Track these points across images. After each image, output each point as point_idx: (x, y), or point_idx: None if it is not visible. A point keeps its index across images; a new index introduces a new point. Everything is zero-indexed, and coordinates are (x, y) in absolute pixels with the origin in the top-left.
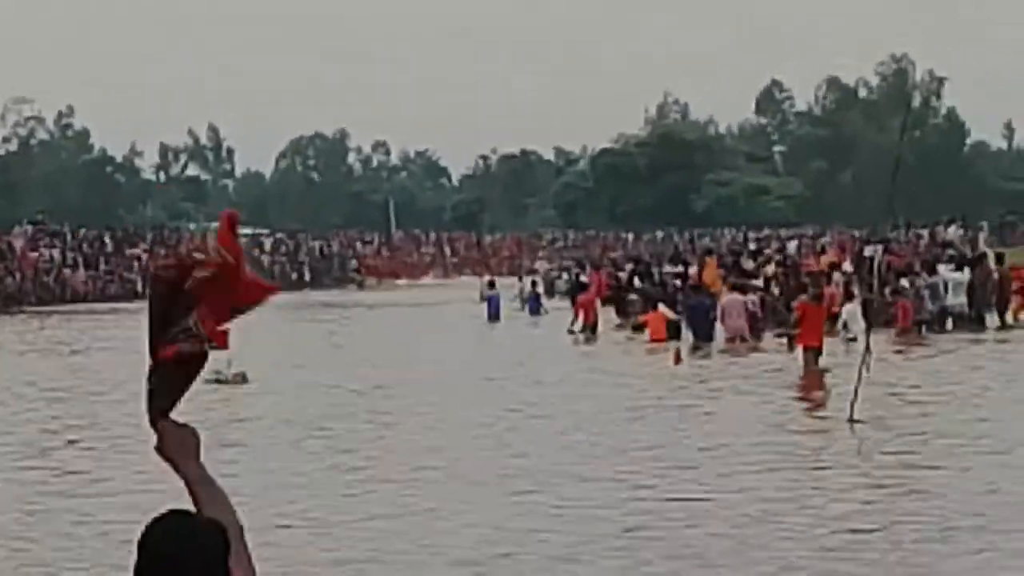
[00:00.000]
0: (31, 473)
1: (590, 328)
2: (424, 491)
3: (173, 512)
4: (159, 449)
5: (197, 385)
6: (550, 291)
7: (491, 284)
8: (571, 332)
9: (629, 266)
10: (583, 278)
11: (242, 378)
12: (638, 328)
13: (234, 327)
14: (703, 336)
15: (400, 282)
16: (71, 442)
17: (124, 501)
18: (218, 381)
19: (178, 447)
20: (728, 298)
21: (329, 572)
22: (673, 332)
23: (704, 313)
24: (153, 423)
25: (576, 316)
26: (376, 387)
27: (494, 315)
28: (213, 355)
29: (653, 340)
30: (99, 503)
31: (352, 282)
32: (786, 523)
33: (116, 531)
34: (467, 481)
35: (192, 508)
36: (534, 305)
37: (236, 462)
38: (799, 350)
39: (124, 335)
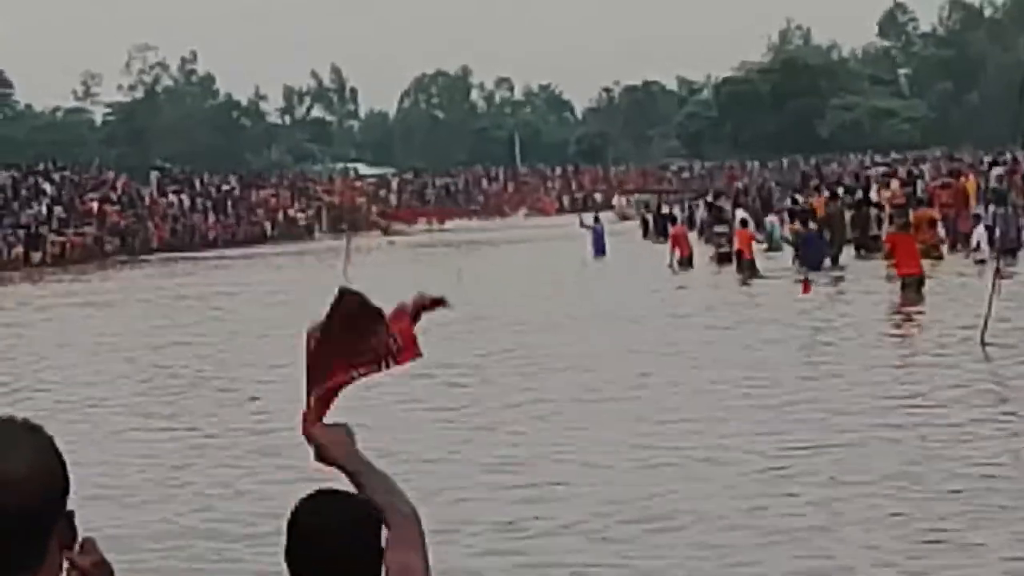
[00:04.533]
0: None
1: (687, 260)
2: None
3: (323, 491)
4: (318, 458)
5: None
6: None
7: (596, 219)
8: (670, 266)
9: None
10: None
11: None
12: (724, 258)
13: (370, 271)
14: (812, 266)
15: (419, 226)
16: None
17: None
18: None
19: (335, 449)
20: None
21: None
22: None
23: (814, 243)
24: (305, 433)
25: (673, 250)
26: (524, 325)
27: (600, 250)
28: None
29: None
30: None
31: (378, 227)
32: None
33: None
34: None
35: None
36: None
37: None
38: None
39: (258, 279)
